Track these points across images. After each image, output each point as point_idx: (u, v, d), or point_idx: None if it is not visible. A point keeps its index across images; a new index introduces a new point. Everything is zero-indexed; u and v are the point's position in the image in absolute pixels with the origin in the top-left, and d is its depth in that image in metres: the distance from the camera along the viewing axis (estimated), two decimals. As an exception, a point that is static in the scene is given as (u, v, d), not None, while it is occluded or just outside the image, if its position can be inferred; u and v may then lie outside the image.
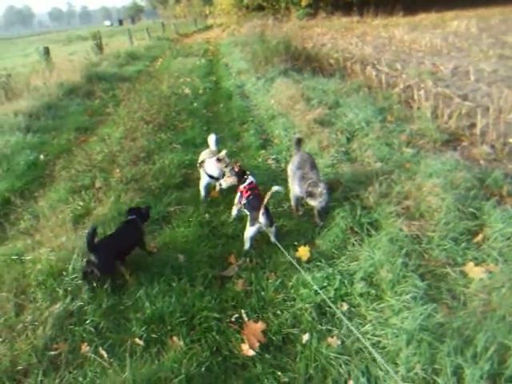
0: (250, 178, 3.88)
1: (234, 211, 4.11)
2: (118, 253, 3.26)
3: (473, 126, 6.00)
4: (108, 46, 18.69)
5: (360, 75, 9.37)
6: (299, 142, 4.49)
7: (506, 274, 2.96)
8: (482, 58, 10.91)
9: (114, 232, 3.41)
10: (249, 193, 3.74)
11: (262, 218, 3.45)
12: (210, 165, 4.34)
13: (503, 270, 3.02)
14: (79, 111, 9.08)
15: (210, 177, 4.40)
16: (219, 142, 4.99)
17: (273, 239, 3.63)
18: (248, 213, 3.66)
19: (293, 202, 4.16)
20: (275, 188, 3.46)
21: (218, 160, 4.13)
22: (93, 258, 3.02)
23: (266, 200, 3.45)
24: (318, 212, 3.96)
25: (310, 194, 3.77)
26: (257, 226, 3.50)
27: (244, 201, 3.74)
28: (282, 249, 3.30)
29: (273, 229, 3.62)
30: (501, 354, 2.35)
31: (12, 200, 4.87)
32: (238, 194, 3.95)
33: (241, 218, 4.05)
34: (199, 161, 4.57)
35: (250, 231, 3.56)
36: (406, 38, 15.57)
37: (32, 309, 2.98)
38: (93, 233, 3.03)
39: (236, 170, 3.94)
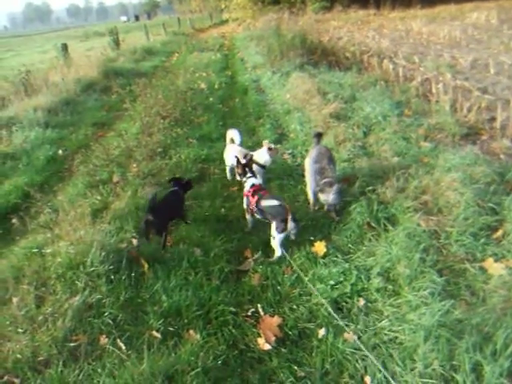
0: (251, 181, 3.83)
1: (249, 218, 3.96)
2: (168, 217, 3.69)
3: (493, 119, 5.88)
4: (124, 42, 18.80)
5: (377, 69, 9.25)
6: (319, 136, 4.44)
7: (526, 271, 2.90)
8: (503, 51, 10.65)
9: (162, 200, 3.73)
10: (256, 197, 3.66)
11: (291, 224, 3.38)
12: (261, 155, 4.39)
13: (524, 266, 2.96)
14: (96, 107, 9.20)
15: (262, 167, 4.43)
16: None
17: (293, 237, 3.60)
18: (266, 219, 3.61)
19: (310, 196, 4.14)
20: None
21: (270, 149, 4.33)
22: (151, 218, 3.42)
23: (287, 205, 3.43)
24: (329, 209, 3.93)
25: (322, 190, 3.79)
26: (286, 232, 3.42)
27: (254, 208, 3.67)
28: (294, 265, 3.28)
29: (297, 229, 3.55)
30: (521, 351, 2.31)
31: (32, 194, 4.95)
32: (245, 199, 3.86)
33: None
34: (241, 159, 4.09)
35: (279, 239, 3.43)
36: (423, 31, 15.30)
37: (52, 301, 3.03)
38: (155, 197, 3.46)
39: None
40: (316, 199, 4.09)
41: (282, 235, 3.41)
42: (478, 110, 6.02)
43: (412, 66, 9.86)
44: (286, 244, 3.51)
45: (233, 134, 4.88)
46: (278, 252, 3.46)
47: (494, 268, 3.02)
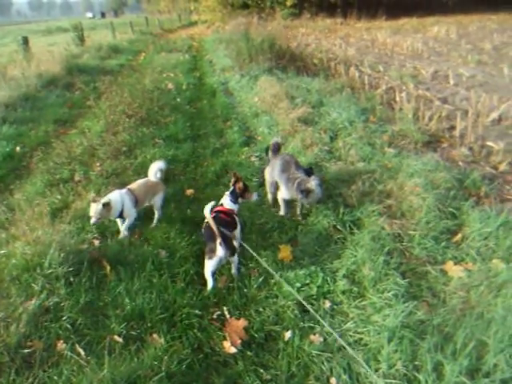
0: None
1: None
2: None
3: (452, 128, 6.13)
4: (89, 39, 18.30)
5: (343, 76, 9.45)
6: (278, 147, 4.38)
7: (483, 273, 3.01)
8: (461, 63, 11.15)
9: None
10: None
11: (219, 249, 2.95)
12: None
13: (481, 268, 3.08)
14: (58, 103, 8.84)
15: None
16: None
17: (234, 271, 3.24)
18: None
19: (282, 207, 4.11)
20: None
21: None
22: None
23: (214, 226, 2.91)
24: (302, 206, 3.98)
25: (302, 192, 3.67)
26: (215, 259, 2.98)
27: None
28: (259, 258, 3.26)
29: (235, 258, 3.16)
30: (479, 350, 2.39)
31: (-14, 192, 4.71)
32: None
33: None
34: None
35: (208, 266, 3.03)
36: (388, 41, 15.79)
37: (5, 305, 2.85)
38: None
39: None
40: (287, 207, 4.11)
41: (211, 262, 2.99)
42: (439, 118, 6.25)
43: (377, 74, 10.15)
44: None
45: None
46: (209, 283, 3.09)
47: (454, 270, 3.12)
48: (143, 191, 3.89)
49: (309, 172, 3.97)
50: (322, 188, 3.73)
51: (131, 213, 3.75)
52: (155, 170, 4.06)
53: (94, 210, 3.43)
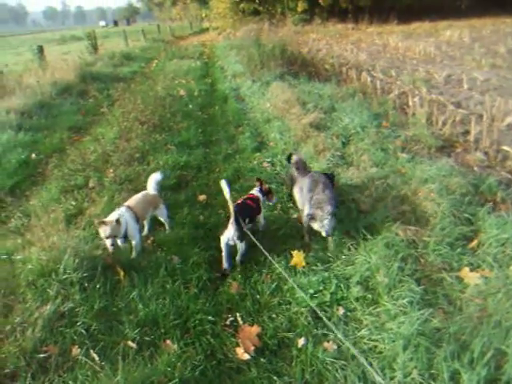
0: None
1: None
2: None
3: (467, 132, 6.05)
4: (103, 47, 18.60)
5: (355, 81, 9.42)
6: (303, 164, 4.18)
7: (500, 280, 2.95)
8: (475, 67, 11.04)
9: None
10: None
11: (230, 228, 3.31)
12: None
13: (498, 275, 3.02)
14: (73, 110, 8.98)
15: None
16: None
17: (237, 257, 3.45)
18: None
19: (304, 229, 3.75)
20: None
21: None
22: None
23: (231, 206, 3.29)
24: (327, 234, 3.48)
25: (313, 217, 3.49)
26: (225, 234, 3.36)
27: None
28: (272, 260, 3.26)
29: (242, 244, 3.38)
30: (497, 359, 2.34)
31: (2, 198, 4.79)
32: None
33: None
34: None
35: (221, 241, 3.42)
36: (400, 46, 15.72)
37: (21, 310, 2.90)
38: None
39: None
40: (310, 231, 3.70)
41: (221, 238, 3.39)
42: (453, 123, 6.19)
43: (389, 79, 10.10)
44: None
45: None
46: (223, 259, 3.43)
47: (470, 277, 3.07)
48: (141, 207, 3.65)
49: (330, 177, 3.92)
50: (333, 220, 3.42)
51: (135, 231, 3.51)
52: (152, 182, 3.90)
53: (108, 229, 3.20)
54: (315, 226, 3.52)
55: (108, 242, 3.25)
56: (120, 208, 3.49)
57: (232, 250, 3.46)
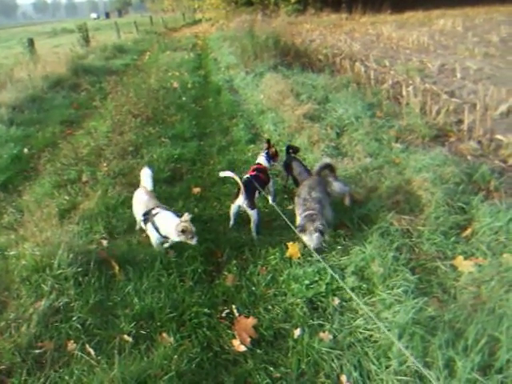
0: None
1: None
2: None
3: (460, 122, 6.05)
4: (94, 39, 18.35)
5: (349, 71, 9.39)
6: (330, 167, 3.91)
7: (494, 268, 2.98)
8: (468, 56, 11.02)
9: None
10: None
11: (240, 197, 3.59)
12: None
13: (492, 263, 3.04)
14: (65, 104, 8.89)
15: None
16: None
17: (252, 225, 3.69)
18: None
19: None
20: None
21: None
22: None
23: (238, 180, 3.57)
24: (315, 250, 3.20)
25: (303, 229, 3.25)
26: (236, 203, 3.66)
27: None
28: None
29: (254, 213, 3.65)
30: (491, 346, 2.36)
31: (-5, 194, 4.75)
32: None
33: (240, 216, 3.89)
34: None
35: (231, 208, 3.77)
36: (393, 36, 15.65)
37: (16, 306, 2.88)
38: None
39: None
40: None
41: (232, 205, 3.75)
42: (446, 112, 6.18)
43: (383, 69, 10.06)
44: (260, 244, 3.50)
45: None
46: (230, 220, 3.84)
47: (464, 265, 3.09)
48: (156, 204, 3.52)
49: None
50: (321, 236, 3.19)
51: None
52: (148, 178, 3.81)
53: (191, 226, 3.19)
54: (304, 238, 3.26)
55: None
56: (158, 209, 3.38)
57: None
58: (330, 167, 3.89)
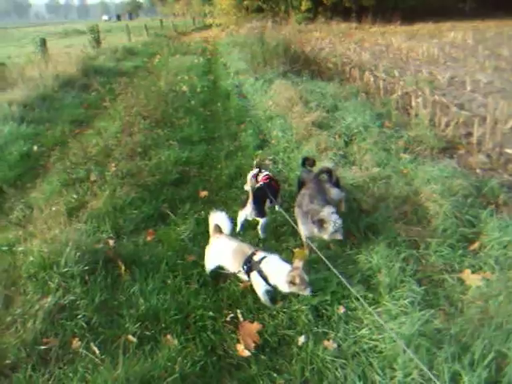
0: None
1: None
2: None
3: (469, 134, 6.04)
4: (105, 41, 18.52)
5: (358, 80, 9.41)
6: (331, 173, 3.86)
7: (502, 283, 2.95)
8: (478, 69, 11.01)
9: None
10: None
11: (248, 206, 3.55)
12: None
13: (500, 278, 3.02)
14: (75, 104, 8.97)
15: None
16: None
17: (259, 228, 3.69)
18: None
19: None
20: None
21: None
22: None
23: (250, 190, 3.56)
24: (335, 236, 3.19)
25: (314, 222, 3.20)
26: (243, 212, 3.63)
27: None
28: (327, 263, 3.24)
29: (263, 220, 3.65)
30: (498, 361, 2.34)
31: (4, 190, 4.78)
32: None
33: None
34: None
35: (239, 215, 3.70)
36: (403, 46, 15.67)
37: (22, 301, 2.91)
38: None
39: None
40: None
41: (240, 213, 3.67)
42: (456, 125, 6.17)
43: (392, 79, 10.07)
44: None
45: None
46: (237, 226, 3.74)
47: (472, 279, 3.07)
48: None
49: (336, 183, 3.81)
50: (337, 217, 3.18)
51: None
52: (222, 223, 3.30)
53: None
54: (325, 235, 3.20)
55: None
56: (261, 252, 2.95)
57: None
58: (329, 172, 3.81)
